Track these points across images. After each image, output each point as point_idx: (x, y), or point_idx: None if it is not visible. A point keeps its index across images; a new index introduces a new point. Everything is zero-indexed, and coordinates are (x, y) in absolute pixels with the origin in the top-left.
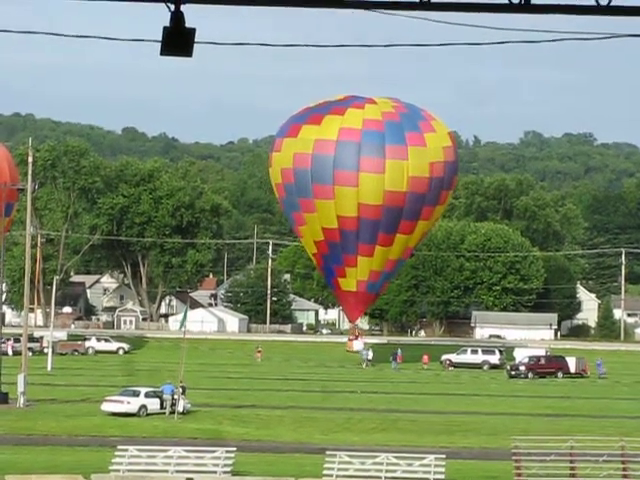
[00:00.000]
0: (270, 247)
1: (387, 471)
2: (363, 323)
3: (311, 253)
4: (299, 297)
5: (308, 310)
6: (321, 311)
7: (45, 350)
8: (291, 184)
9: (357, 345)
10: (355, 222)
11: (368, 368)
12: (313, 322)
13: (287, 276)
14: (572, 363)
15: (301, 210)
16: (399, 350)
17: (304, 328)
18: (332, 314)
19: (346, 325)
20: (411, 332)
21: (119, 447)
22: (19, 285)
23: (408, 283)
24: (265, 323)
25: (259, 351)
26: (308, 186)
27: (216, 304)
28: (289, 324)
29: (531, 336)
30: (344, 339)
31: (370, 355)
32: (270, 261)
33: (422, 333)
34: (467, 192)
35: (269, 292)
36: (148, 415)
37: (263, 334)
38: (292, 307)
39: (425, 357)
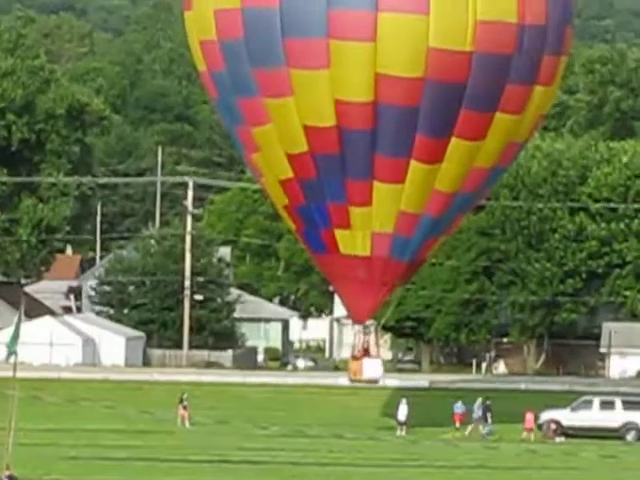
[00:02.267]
0: (190, 191)
1: None
2: (384, 345)
3: (280, 179)
4: (249, 294)
5: (268, 321)
6: (295, 322)
7: None
8: (220, 72)
9: (370, 368)
10: (369, 112)
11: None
12: (279, 345)
13: (225, 250)
14: None
15: (249, 113)
16: (462, 404)
17: (260, 358)
18: (317, 329)
19: (344, 352)
20: (479, 365)
21: None
22: None
23: (471, 266)
24: (180, 347)
25: (185, 406)
26: (274, 43)
27: (79, 308)
28: (229, 349)
29: None
30: (341, 380)
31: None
32: (190, 220)
33: (501, 367)
34: (592, 79)
35: (188, 284)
36: None
37: (175, 369)
38: (235, 315)
39: (529, 417)
